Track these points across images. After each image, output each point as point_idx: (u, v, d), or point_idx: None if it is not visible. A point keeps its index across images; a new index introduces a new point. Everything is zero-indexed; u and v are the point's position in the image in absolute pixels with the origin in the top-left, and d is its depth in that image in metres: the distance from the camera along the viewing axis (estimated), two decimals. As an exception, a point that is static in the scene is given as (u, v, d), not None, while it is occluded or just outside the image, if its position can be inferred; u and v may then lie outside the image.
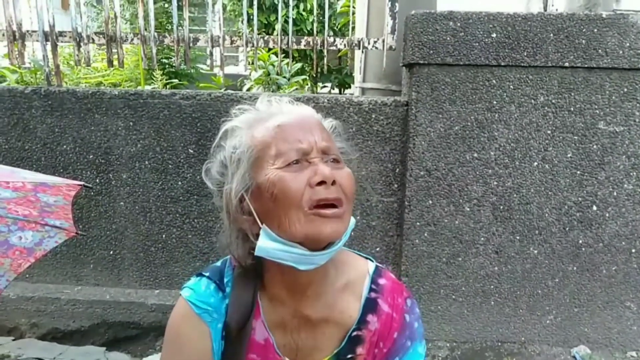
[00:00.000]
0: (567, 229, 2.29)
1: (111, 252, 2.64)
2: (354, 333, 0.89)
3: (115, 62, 2.59)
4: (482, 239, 2.34)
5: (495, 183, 2.29)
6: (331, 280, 0.89)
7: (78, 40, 2.55)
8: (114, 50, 2.57)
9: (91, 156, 2.52)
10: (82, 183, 1.43)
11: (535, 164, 2.26)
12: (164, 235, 2.60)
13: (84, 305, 2.58)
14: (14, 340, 2.39)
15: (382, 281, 0.93)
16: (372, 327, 0.89)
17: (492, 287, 2.37)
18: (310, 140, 0.81)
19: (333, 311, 0.89)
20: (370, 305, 0.90)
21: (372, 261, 0.97)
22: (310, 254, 0.79)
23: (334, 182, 0.79)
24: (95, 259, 2.65)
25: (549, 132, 2.24)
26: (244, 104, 0.91)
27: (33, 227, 1.63)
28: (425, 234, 2.35)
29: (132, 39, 2.59)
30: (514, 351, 2.35)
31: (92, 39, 2.58)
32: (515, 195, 2.29)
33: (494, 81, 2.22)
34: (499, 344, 2.39)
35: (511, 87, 2.22)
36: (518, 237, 2.32)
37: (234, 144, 0.85)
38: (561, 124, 2.23)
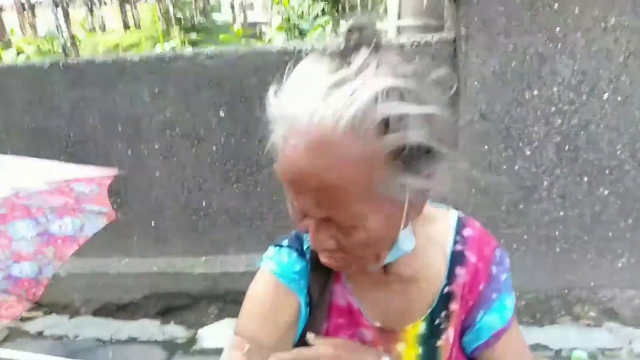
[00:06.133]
0: (641, 165, 2.08)
1: (152, 224, 2.59)
2: (445, 289, 0.81)
3: (132, 24, 2.41)
4: (546, 183, 2.15)
5: (559, 122, 2.06)
6: (416, 236, 0.80)
7: (90, 4, 2.36)
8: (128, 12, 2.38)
9: (120, 128, 2.41)
10: (115, 172, 1.30)
11: (606, 96, 2.01)
12: (203, 203, 2.51)
13: (132, 278, 2.57)
14: (70, 319, 2.41)
15: (467, 232, 0.83)
16: (461, 280, 0.81)
17: (557, 233, 2.21)
18: (306, 203, 0.61)
19: (420, 268, 0.81)
20: (457, 258, 0.82)
21: (453, 210, 0.86)
22: None
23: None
24: (138, 231, 2.61)
25: (620, 59, 1.97)
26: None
27: (72, 213, 1.56)
28: (482, 183, 2.17)
29: (146, -3, 2.39)
30: (583, 297, 2.22)
31: (104, 1, 2.39)
32: (582, 134, 2.07)
33: (555, 6, 1.94)
34: (566, 291, 2.26)
35: (576, 10, 1.94)
36: (586, 179, 2.12)
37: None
38: (636, 49, 1.95)
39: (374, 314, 0.83)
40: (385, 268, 0.79)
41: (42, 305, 2.50)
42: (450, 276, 0.81)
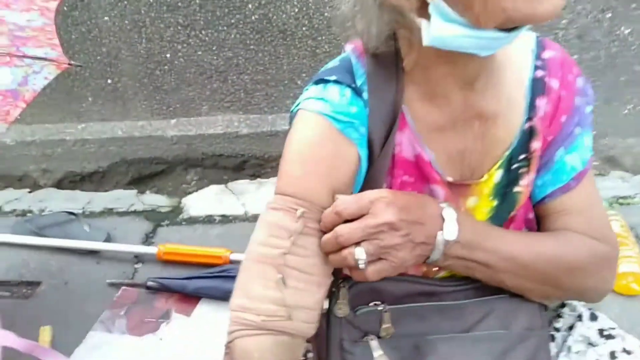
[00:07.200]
0: (673, -3, 1.85)
1: (109, 81, 2.22)
2: (526, 125, 0.70)
3: None
4: (564, 21, 1.91)
5: (592, -57, 1.76)
6: (498, 62, 0.68)
7: None
8: None
9: (50, -43, 1.89)
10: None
11: None
12: (168, 55, 2.14)
13: (95, 144, 2.28)
14: (30, 192, 2.13)
15: (547, 54, 0.72)
16: (541, 112, 0.70)
17: (567, 79, 2.04)
18: None
19: (501, 100, 0.69)
20: (537, 87, 0.71)
21: (529, 31, 0.70)
22: (505, 35, 0.56)
23: None
24: (92, 90, 2.24)
25: None
26: None
27: (8, 62, 1.22)
28: (495, 22, 1.91)
29: None
30: (583, 147, 2.15)
31: None
32: (615, -42, 1.78)
33: None
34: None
35: None
36: (609, 15, 1.90)
37: None
38: None
39: (447, 166, 0.71)
40: (467, 107, 0.67)
41: (-6, 179, 2.22)
42: (531, 109, 0.70)
